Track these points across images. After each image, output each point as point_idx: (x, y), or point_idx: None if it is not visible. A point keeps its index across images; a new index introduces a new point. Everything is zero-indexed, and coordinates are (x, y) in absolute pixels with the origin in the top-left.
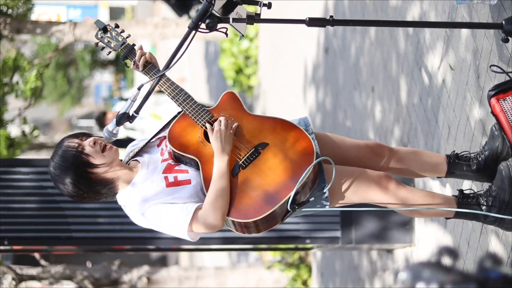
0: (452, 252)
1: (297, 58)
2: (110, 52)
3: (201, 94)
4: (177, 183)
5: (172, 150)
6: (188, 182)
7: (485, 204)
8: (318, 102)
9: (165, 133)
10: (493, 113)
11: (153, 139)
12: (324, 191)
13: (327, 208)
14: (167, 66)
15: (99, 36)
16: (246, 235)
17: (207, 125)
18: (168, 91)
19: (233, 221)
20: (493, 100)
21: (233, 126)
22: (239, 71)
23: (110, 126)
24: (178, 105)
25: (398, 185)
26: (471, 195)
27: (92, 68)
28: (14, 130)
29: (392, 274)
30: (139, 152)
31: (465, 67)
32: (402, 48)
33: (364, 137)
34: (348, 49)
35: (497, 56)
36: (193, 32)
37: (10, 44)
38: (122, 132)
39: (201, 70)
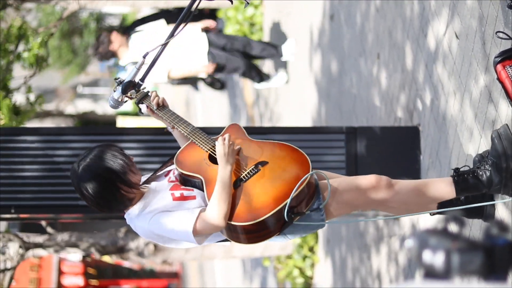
0: (458, 219)
1: (302, 25)
2: (127, 101)
3: None
4: (183, 198)
5: (179, 171)
6: (193, 197)
7: (484, 175)
8: (324, 69)
9: (171, 166)
10: (499, 79)
11: (160, 172)
12: (320, 207)
13: (323, 222)
14: (172, 34)
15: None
16: (246, 245)
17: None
18: (173, 122)
19: (231, 226)
20: (499, 66)
21: (236, 147)
22: None
23: (116, 94)
24: (186, 135)
25: (390, 183)
26: (467, 171)
27: (97, 35)
28: (19, 99)
29: (398, 240)
30: (147, 181)
31: (471, 33)
32: (407, 15)
33: (370, 105)
34: (353, 16)
35: (503, 22)
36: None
37: (15, 12)
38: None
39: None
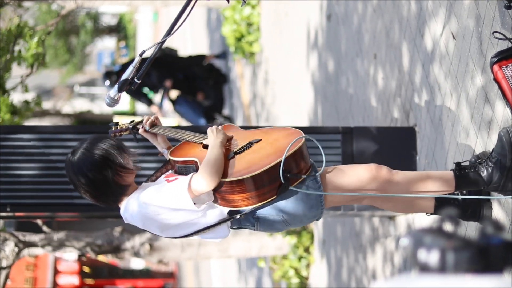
0: (453, 219)
1: (300, 25)
2: (123, 134)
3: None
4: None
5: (174, 160)
6: None
7: (485, 171)
8: (321, 69)
9: (166, 172)
10: (495, 79)
11: (154, 178)
12: (317, 174)
13: (320, 192)
14: (169, 32)
15: (113, 129)
16: (243, 208)
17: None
18: (166, 131)
19: (226, 185)
20: (495, 66)
21: (228, 135)
22: (241, 37)
23: (112, 92)
24: (177, 138)
25: (391, 172)
26: (469, 165)
27: (94, 35)
28: (16, 97)
29: (393, 241)
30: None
31: (468, 34)
32: (404, 15)
33: (366, 105)
34: (350, 16)
35: (500, 23)
36: None
37: (12, 11)
38: None
39: (203, 38)
